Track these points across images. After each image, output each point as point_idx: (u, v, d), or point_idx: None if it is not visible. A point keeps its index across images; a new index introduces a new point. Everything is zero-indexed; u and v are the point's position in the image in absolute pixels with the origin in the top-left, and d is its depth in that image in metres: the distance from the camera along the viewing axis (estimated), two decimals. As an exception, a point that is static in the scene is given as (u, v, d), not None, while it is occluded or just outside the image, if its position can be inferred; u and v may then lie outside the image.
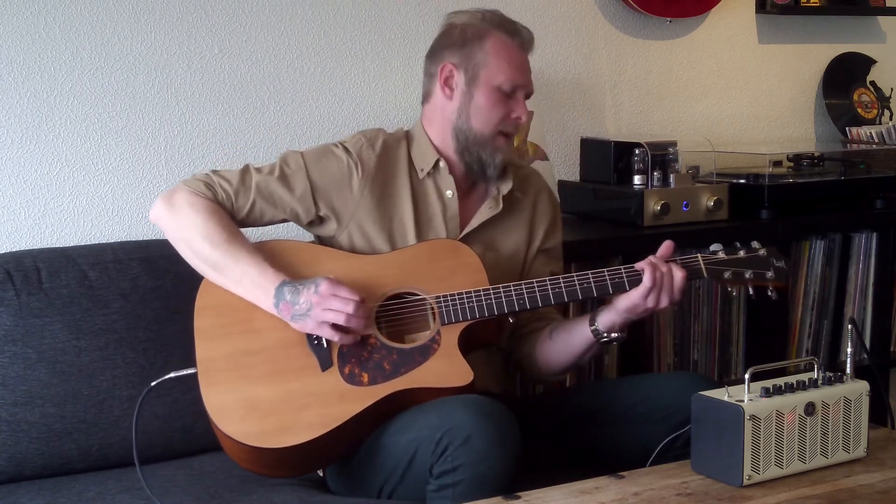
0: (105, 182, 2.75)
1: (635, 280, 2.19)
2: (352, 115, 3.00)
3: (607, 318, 2.24)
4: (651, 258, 2.20)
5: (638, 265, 2.20)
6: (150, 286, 2.53)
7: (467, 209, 2.40)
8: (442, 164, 2.36)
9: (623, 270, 2.22)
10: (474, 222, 2.38)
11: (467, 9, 2.42)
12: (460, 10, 2.43)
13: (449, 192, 2.36)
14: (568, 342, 2.31)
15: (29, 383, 2.40)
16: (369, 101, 3.03)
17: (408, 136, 2.41)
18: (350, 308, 2.11)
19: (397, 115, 3.03)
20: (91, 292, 2.48)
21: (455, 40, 2.36)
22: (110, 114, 2.74)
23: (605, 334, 2.25)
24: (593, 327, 2.25)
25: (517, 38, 2.36)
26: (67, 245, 2.64)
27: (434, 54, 2.40)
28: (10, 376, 2.39)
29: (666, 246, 2.25)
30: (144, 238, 2.73)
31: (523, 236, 2.43)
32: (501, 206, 2.39)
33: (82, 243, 2.66)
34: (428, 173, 2.36)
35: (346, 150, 2.34)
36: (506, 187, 2.40)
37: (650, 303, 2.18)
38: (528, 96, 2.38)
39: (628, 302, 2.20)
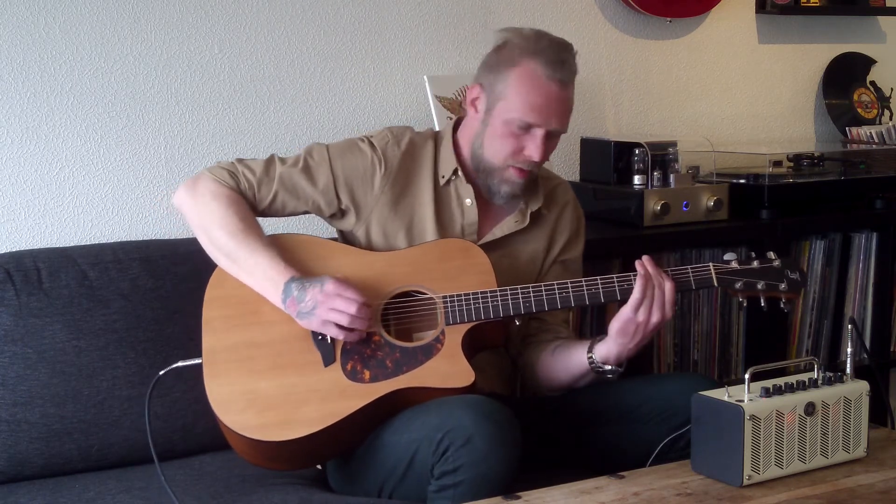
0: (105, 182, 2.75)
1: None
2: (352, 115, 3.00)
3: (603, 349, 2.22)
4: (647, 266, 2.17)
5: (637, 266, 2.18)
6: (150, 286, 2.53)
7: (488, 217, 2.38)
8: (460, 172, 2.35)
9: (633, 276, 2.19)
10: (497, 232, 2.36)
11: (522, 27, 2.31)
12: (516, 28, 2.32)
13: (468, 201, 2.35)
14: (566, 363, 2.30)
15: (29, 383, 2.40)
16: (369, 101, 3.03)
17: (436, 138, 2.40)
18: (353, 309, 2.12)
19: (397, 115, 3.02)
20: (91, 292, 2.48)
21: (491, 61, 2.30)
22: (110, 114, 2.74)
23: (600, 365, 2.23)
24: (590, 355, 2.24)
25: (551, 71, 2.22)
26: (67, 245, 2.64)
27: (479, 67, 2.34)
28: (10, 376, 2.39)
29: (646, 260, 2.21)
30: (144, 238, 2.73)
31: (542, 247, 2.41)
32: (528, 221, 2.37)
33: (82, 243, 2.66)
34: (448, 180, 2.35)
35: (372, 145, 2.34)
36: (535, 204, 2.37)
37: (641, 316, 2.16)
38: (552, 135, 2.27)
39: (619, 322, 2.17)
